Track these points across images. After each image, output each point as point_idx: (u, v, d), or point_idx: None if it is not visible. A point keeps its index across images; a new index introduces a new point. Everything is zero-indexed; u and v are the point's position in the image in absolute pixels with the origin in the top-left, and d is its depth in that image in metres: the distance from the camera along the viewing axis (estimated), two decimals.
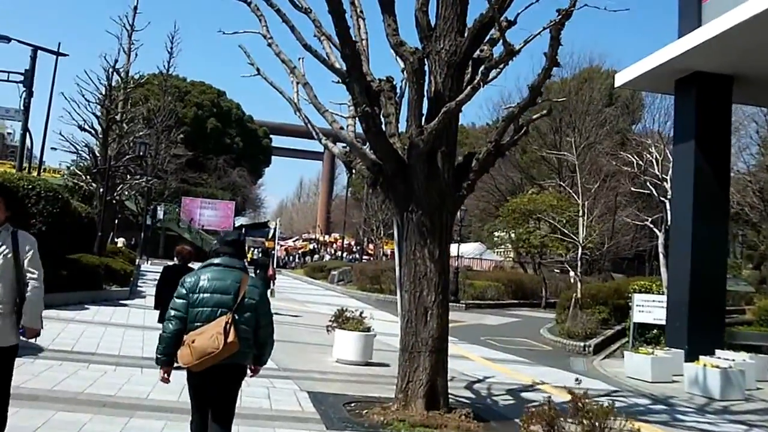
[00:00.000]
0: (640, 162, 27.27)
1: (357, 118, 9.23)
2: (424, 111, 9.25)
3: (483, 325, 26.08)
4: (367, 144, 9.60)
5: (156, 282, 12.01)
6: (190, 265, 10.81)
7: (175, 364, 5.57)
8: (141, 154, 25.63)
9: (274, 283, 24.14)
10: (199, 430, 5.62)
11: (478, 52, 9.38)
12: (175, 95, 65.94)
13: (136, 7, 33.14)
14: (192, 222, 68.80)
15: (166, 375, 5.62)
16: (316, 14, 9.25)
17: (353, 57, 8.57)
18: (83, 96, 28.83)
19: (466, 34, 9.23)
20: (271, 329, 5.87)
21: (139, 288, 25.97)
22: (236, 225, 77.00)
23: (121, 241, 47.88)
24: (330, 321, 14.29)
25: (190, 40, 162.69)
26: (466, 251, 56.94)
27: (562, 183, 31.51)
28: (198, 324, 5.38)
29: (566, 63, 50.28)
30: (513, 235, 37.00)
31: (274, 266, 25.67)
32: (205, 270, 5.65)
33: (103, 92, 29.03)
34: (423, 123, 9.02)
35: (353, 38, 8.69)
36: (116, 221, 54.22)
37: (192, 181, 73.13)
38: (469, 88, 8.66)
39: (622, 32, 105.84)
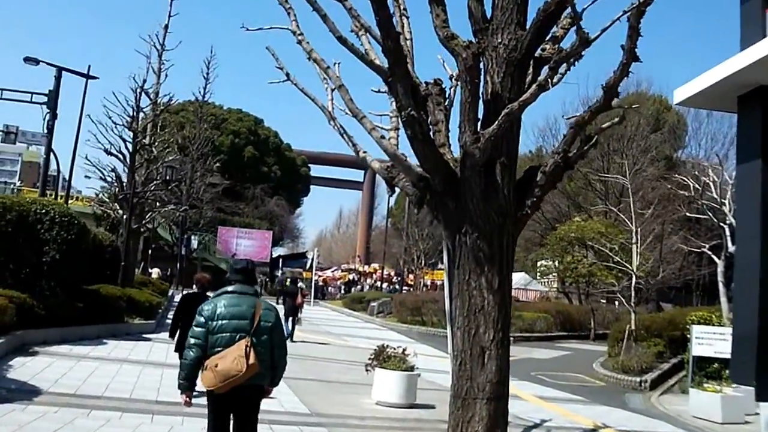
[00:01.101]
0: (697, 185, 25.80)
1: (401, 126, 7.86)
2: (479, 116, 7.81)
3: (532, 360, 24.72)
4: (411, 156, 8.19)
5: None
6: (209, 293, 10.24)
7: (196, 391, 5.96)
8: (168, 178, 24.33)
9: (301, 311, 24.65)
10: None
11: (539, 51, 7.95)
12: (211, 123, 65.38)
13: (166, 26, 32.20)
14: (228, 252, 68.05)
15: (188, 399, 5.95)
16: (353, 4, 7.89)
17: (397, 51, 7.21)
18: (110, 118, 27.74)
19: (527, 27, 7.79)
20: (284, 351, 6.20)
21: (168, 320, 24.73)
22: (274, 255, 76.13)
23: (155, 272, 47.38)
24: (369, 359, 12.95)
25: (227, 67, 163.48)
26: None
27: (613, 208, 29.91)
28: (219, 349, 5.72)
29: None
30: (560, 264, 35.28)
31: (303, 295, 25.34)
32: (221, 297, 6.01)
33: (131, 114, 27.91)
34: (478, 129, 7.57)
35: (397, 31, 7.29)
36: (150, 251, 53.77)
37: (228, 210, 72.24)
38: (534, 86, 7.22)
39: (669, 58, 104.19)
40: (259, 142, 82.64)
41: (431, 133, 7.99)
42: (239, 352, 5.65)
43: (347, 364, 17.89)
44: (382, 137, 8.44)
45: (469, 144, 7.53)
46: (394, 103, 9.72)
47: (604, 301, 40.28)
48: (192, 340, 5.87)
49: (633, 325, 22.53)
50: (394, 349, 12.85)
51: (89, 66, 32.36)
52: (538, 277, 53.88)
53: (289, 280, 27.70)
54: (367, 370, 12.89)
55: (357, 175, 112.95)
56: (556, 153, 7.95)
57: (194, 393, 5.97)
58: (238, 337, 5.76)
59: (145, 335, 19.19)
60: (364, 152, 9.35)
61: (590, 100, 52.57)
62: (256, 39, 47.34)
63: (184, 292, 14.70)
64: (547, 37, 7.99)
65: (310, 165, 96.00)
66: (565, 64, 7.66)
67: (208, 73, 58.40)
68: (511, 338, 26.11)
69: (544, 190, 7.94)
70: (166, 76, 31.98)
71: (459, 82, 7.93)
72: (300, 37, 8.85)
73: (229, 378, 5.61)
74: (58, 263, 16.09)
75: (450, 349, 8.42)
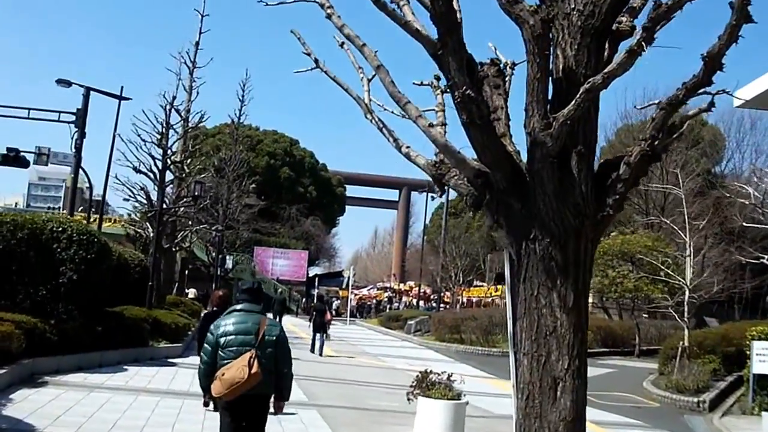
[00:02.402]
0: (757, 193, 24.36)
1: (458, 113, 6.55)
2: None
3: None
4: (465, 149, 6.86)
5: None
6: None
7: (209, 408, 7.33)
8: (197, 194, 23.22)
9: (329, 327, 26.25)
10: None
11: (615, 24, 6.62)
12: (247, 144, 65.25)
13: (197, 43, 31.46)
14: (265, 272, 67.33)
15: (207, 398, 7.13)
16: None
17: (448, 16, 5.99)
18: (139, 136, 26.80)
19: None
20: (289, 363, 6.68)
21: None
22: (310, 275, 75.40)
23: (192, 292, 47.08)
24: (411, 386, 11.56)
25: (262, 88, 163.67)
26: None
27: (666, 220, 28.32)
28: (227, 361, 6.26)
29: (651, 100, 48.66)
30: (604, 279, 33.73)
31: (332, 313, 27.67)
32: (230, 315, 6.61)
33: (160, 131, 26.92)
34: (549, 112, 6.25)
35: None
36: (187, 271, 53.21)
37: (264, 230, 71.67)
38: (623, 54, 5.88)
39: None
40: (295, 163, 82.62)
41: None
42: (243, 362, 6.15)
43: (386, 388, 16.62)
44: (431, 125, 7.14)
45: (538, 130, 6.21)
46: (439, 96, 8.48)
47: (646, 316, 38.52)
48: (203, 356, 6.64)
49: (687, 341, 21.18)
50: (439, 374, 11.44)
51: (122, 87, 31.80)
52: None
53: (316, 297, 31.10)
54: (409, 399, 11.57)
55: (392, 194, 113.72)
56: (642, 140, 6.58)
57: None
58: (244, 350, 6.29)
59: (170, 359, 18.03)
60: (407, 147, 8.06)
61: (629, 114, 51.50)
62: (291, 59, 46.36)
63: (204, 312, 14.31)
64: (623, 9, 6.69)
65: (345, 185, 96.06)
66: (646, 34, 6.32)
67: (243, 95, 58.51)
68: None
69: (628, 185, 6.56)
70: (198, 93, 31.25)
71: (525, 60, 6.63)
72: (329, 11, 7.56)
73: (233, 385, 6.10)
74: (76, 284, 14.98)
75: (513, 380, 7.09)
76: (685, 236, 23.00)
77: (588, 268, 6.56)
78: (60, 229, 15.25)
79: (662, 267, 26.50)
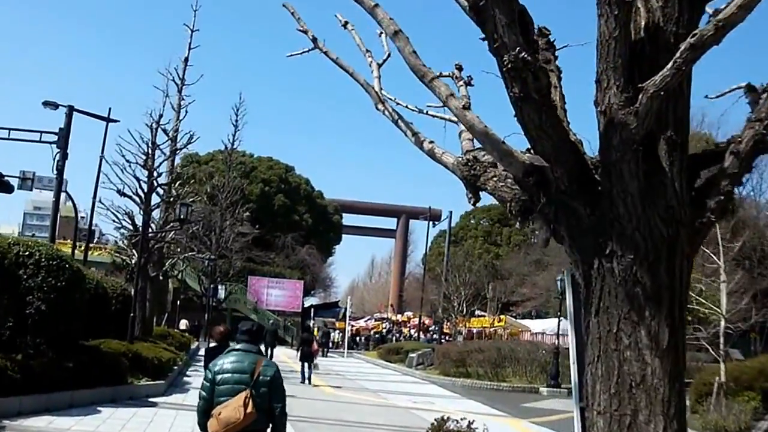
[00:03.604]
0: None
1: (504, 79, 4.99)
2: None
3: None
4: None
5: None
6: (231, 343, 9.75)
7: None
8: (183, 217, 21.57)
9: (316, 357, 26.64)
10: None
11: None
12: (240, 171, 64.40)
13: (186, 59, 30.02)
14: (258, 302, 65.73)
15: None
16: None
17: None
18: (123, 156, 25.21)
19: None
20: (284, 403, 6.71)
21: (186, 378, 21.78)
22: (305, 305, 73.72)
23: (183, 323, 45.66)
24: None
25: (255, 112, 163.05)
26: (548, 327, 53.07)
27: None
28: (223, 399, 6.43)
29: None
30: None
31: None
32: (229, 355, 6.81)
33: (146, 151, 25.34)
34: (627, 85, 4.70)
35: None
36: (179, 302, 51.74)
37: (258, 259, 70.17)
38: (732, 5, 4.34)
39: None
40: (290, 190, 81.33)
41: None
42: (239, 402, 6.29)
43: (389, 429, 14.94)
44: (465, 107, 5.57)
45: (616, 107, 4.65)
46: (462, 88, 6.93)
47: None
48: (200, 392, 6.71)
49: (723, 376, 19.37)
50: (457, 422, 9.69)
51: (110, 108, 30.37)
52: None
53: (303, 329, 31.24)
54: None
55: (389, 223, 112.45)
56: (756, 121, 5.00)
57: None
58: (239, 388, 6.42)
59: (151, 399, 16.07)
60: (431, 143, 6.51)
61: None
62: (286, 85, 45.09)
63: (208, 346, 14.93)
64: None
65: (342, 213, 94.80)
66: None
67: (237, 120, 57.80)
68: (566, 390, 23.47)
69: (736, 180, 5.00)
70: (186, 112, 29.81)
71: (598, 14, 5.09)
72: None
73: (229, 424, 6.23)
74: (45, 315, 13.25)
75: None
76: (719, 260, 21.37)
77: (685, 295, 4.95)
78: (27, 253, 13.55)
79: (692, 295, 25.04)
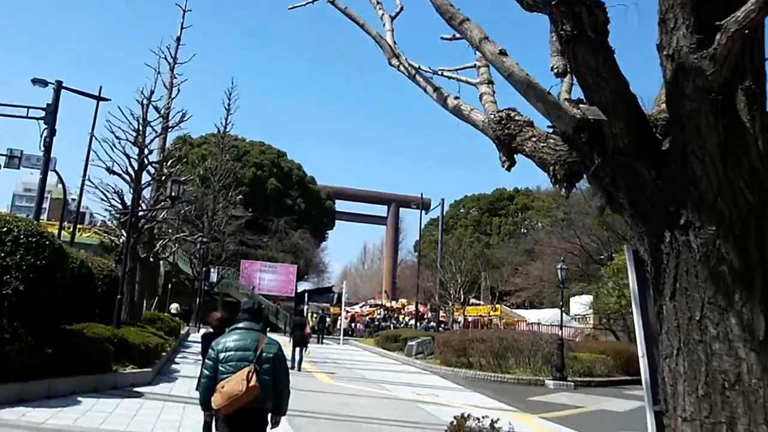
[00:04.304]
0: None
1: (551, 18, 4.13)
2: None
3: (605, 412, 20.47)
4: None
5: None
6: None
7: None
8: (174, 194, 20.57)
9: (309, 341, 26.36)
10: None
11: None
12: (233, 155, 63.86)
13: (179, 38, 29.12)
14: (251, 287, 64.84)
15: (208, 417, 7.77)
16: None
17: None
18: (113, 133, 24.22)
19: None
20: (287, 380, 6.81)
21: (175, 365, 20.78)
22: (298, 290, 72.85)
23: (174, 307, 44.88)
24: None
25: (247, 97, 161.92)
26: (543, 318, 52.54)
27: None
28: (226, 375, 6.44)
29: None
30: (621, 300, 31.14)
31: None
32: (232, 333, 6.84)
33: (137, 128, 24.36)
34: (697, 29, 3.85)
35: None
36: (170, 285, 50.85)
37: (251, 243, 69.56)
38: None
39: None
40: (283, 175, 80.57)
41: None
42: (242, 376, 6.35)
43: (397, 426, 13.95)
44: (503, 52, 4.69)
45: (687, 50, 3.80)
46: (479, 58, 6.05)
47: None
48: (204, 371, 6.81)
49: None
50: (479, 420, 8.77)
51: (100, 87, 29.38)
52: (571, 314, 50.35)
53: (295, 312, 30.71)
54: None
55: (380, 210, 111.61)
56: None
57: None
58: (242, 365, 6.45)
59: (137, 388, 15.00)
60: (456, 98, 5.65)
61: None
62: (276, 71, 44.15)
63: (203, 332, 14.18)
64: None
65: (334, 199, 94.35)
66: None
67: (229, 104, 57.66)
68: (572, 383, 22.53)
69: None
70: (179, 91, 28.85)
71: None
72: None
73: (231, 397, 6.27)
74: (24, 297, 12.23)
75: None
76: None
77: None
78: (4, 229, 12.50)
79: None
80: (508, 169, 5.01)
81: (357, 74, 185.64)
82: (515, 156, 4.98)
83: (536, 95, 4.32)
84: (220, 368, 6.52)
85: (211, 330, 11.24)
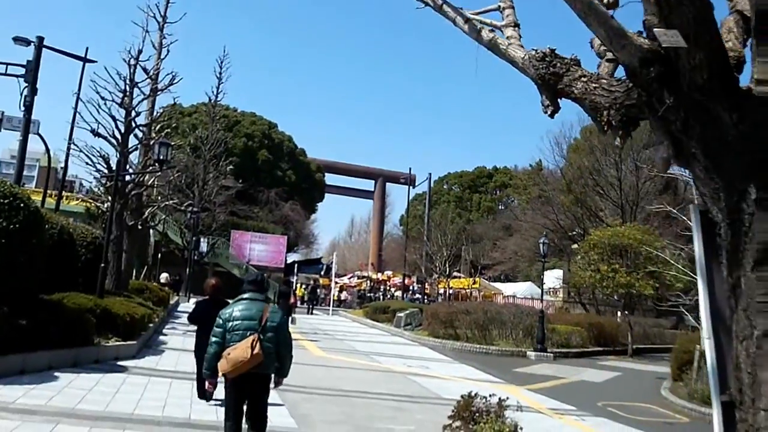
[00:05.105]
0: None
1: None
2: None
3: (585, 383, 20.76)
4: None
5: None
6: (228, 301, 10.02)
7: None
8: (162, 158, 19.57)
9: (294, 311, 27.36)
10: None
11: None
12: (224, 124, 63.15)
13: None
14: (242, 257, 64.33)
15: (211, 387, 7.47)
16: None
17: None
18: (98, 93, 23.21)
19: None
20: (289, 346, 7.30)
21: (163, 337, 20.02)
22: (288, 261, 72.37)
23: (164, 277, 44.61)
24: (451, 417, 8.16)
25: (239, 69, 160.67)
26: (518, 291, 52.93)
27: (674, 210, 25.51)
28: (233, 343, 6.94)
29: None
30: (596, 275, 31.08)
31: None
32: (238, 303, 7.25)
33: (123, 89, 23.39)
34: None
35: None
36: (160, 255, 50.31)
37: (242, 213, 69.11)
38: None
39: None
40: (273, 146, 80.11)
41: None
42: (247, 344, 6.84)
43: (391, 400, 13.37)
44: None
45: None
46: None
47: (627, 312, 36.03)
48: (212, 338, 7.18)
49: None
50: (486, 398, 8.10)
51: (87, 48, 28.45)
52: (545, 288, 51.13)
53: (282, 282, 30.66)
54: None
55: (368, 184, 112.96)
56: None
57: (216, 381, 7.32)
58: (248, 333, 6.95)
59: (120, 362, 14.13)
60: (491, 31, 4.90)
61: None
62: (269, 46, 43.28)
63: (195, 300, 14.41)
64: None
65: (324, 172, 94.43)
66: None
67: (221, 73, 57.24)
68: (551, 354, 22.33)
69: None
70: (168, 52, 27.79)
71: None
72: None
73: (237, 363, 6.78)
74: None
75: None
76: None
77: None
78: None
79: (672, 262, 24.78)
80: (552, 115, 4.25)
81: (350, 51, 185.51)
82: (559, 98, 4.22)
83: (598, 19, 3.56)
84: (227, 336, 7.02)
85: (207, 297, 11.41)
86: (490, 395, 8.17)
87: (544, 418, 13.39)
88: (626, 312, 34.44)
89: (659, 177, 45.07)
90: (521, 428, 7.86)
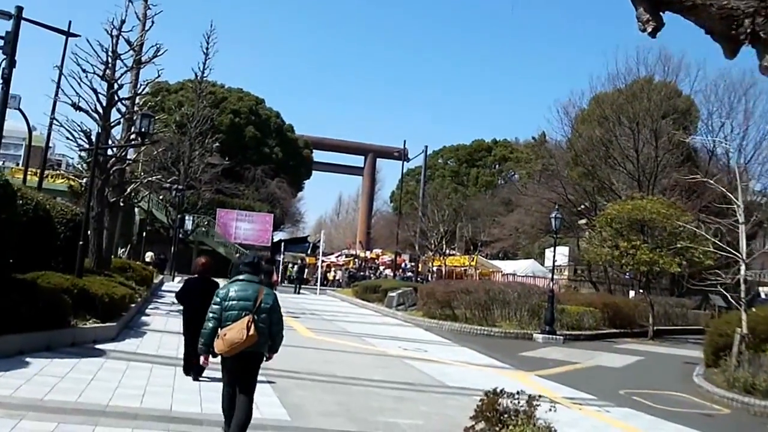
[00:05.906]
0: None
1: None
2: None
3: (603, 368, 19.49)
4: None
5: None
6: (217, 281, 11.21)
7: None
8: (144, 130, 18.58)
9: (275, 289, 26.30)
10: (229, 398, 7.44)
11: None
12: (210, 101, 62.12)
13: None
14: (227, 236, 63.53)
15: (206, 360, 7.84)
16: None
17: None
18: (80, 66, 22.12)
19: None
20: (281, 325, 7.56)
21: (145, 317, 19.10)
22: (275, 240, 71.52)
23: (149, 255, 44.10)
24: (473, 419, 7.20)
25: (226, 43, 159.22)
26: (518, 269, 51.69)
27: (710, 181, 24.27)
28: (229, 323, 7.20)
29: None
30: (614, 251, 29.80)
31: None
32: (233, 284, 7.49)
33: (105, 60, 22.32)
34: None
35: None
36: (145, 233, 49.49)
37: (228, 191, 68.50)
38: None
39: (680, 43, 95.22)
40: (260, 123, 79.02)
41: None
42: (242, 325, 7.09)
43: (390, 389, 12.48)
44: None
45: None
46: None
47: (642, 291, 34.39)
48: (210, 315, 7.39)
49: (745, 327, 16.98)
50: (515, 395, 7.17)
51: (69, 22, 27.27)
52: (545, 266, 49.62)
53: (265, 260, 29.13)
54: None
55: (357, 161, 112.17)
56: None
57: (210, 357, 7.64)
58: (243, 314, 7.20)
59: (98, 345, 13.20)
60: None
61: (620, 76, 48.38)
62: (258, 15, 42.08)
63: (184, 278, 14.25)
64: None
65: (312, 149, 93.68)
66: None
67: (207, 48, 56.30)
68: (561, 337, 21.21)
69: None
70: (153, 23, 26.66)
71: None
72: None
73: (233, 344, 7.07)
74: None
75: None
76: (737, 199, 19.20)
77: None
78: None
79: (709, 237, 23.62)
80: (653, 33, 3.23)
81: (339, 24, 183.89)
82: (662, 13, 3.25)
83: None
84: (224, 315, 7.26)
85: (195, 275, 11.70)
86: (518, 392, 7.20)
87: (561, 410, 12.52)
88: (642, 291, 33.16)
89: (677, 148, 43.75)
90: (555, 428, 6.98)
